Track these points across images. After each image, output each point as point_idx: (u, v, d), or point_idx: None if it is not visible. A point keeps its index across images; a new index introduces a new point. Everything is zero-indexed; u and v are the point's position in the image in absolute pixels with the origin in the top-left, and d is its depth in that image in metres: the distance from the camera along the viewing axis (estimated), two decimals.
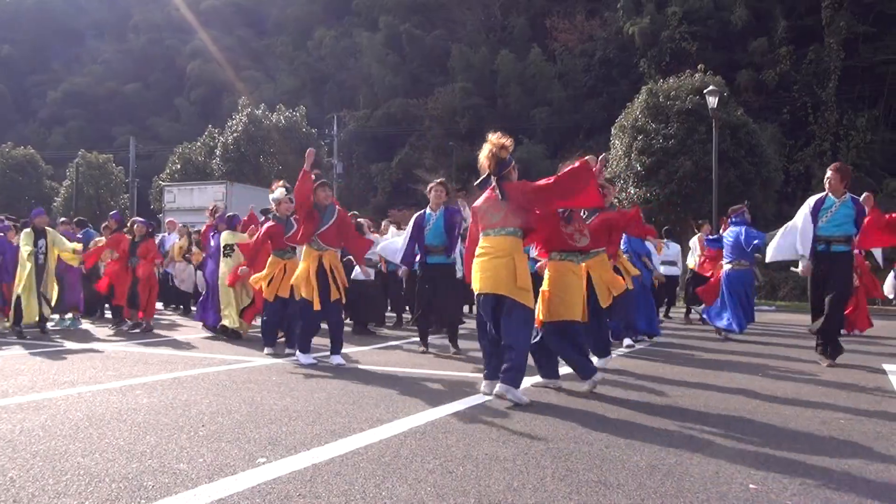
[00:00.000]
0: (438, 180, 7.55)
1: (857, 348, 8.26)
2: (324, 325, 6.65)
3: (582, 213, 5.74)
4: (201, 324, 9.42)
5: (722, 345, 8.45)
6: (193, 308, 12.55)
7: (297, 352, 6.43)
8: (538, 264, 5.58)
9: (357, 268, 9.60)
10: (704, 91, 19.56)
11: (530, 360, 4.81)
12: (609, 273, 5.87)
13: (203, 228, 10.81)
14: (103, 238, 11.05)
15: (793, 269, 7.56)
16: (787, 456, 3.37)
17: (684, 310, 12.98)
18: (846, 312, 8.74)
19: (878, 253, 9.82)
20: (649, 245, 8.73)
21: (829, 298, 6.34)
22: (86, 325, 10.56)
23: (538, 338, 5.09)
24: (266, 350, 7.20)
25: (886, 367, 6.60)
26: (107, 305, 11.57)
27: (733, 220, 9.17)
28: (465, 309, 12.40)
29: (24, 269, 8.77)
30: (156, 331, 9.62)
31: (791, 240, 6.65)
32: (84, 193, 40.02)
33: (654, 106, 23.11)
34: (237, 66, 54.04)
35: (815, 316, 6.63)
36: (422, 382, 5.40)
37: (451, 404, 4.48)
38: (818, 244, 6.38)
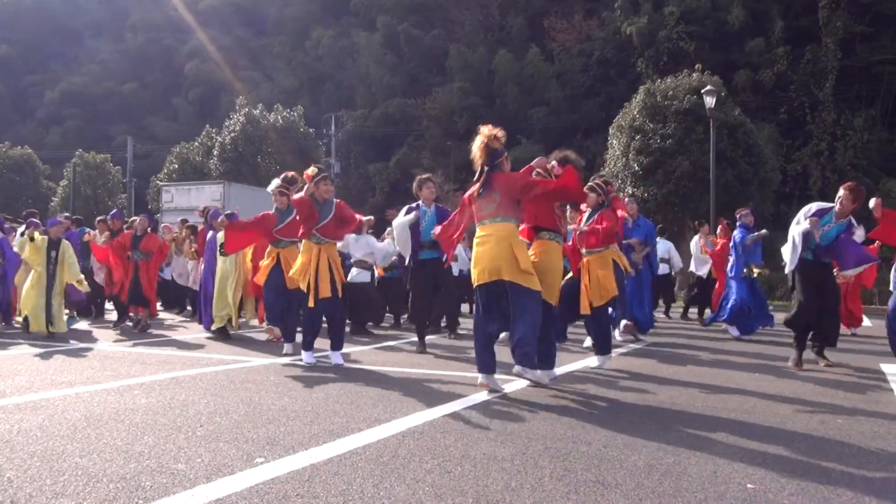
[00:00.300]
0: (427, 175, 7.51)
1: (855, 348, 8.27)
2: (323, 326, 6.65)
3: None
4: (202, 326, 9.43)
5: (720, 344, 8.46)
6: (189, 308, 12.57)
7: (302, 351, 6.43)
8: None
9: (355, 269, 9.57)
10: (702, 91, 19.56)
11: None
12: (608, 274, 5.88)
13: (199, 229, 10.79)
14: (96, 232, 11.05)
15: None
16: (785, 455, 3.37)
17: (682, 308, 13.00)
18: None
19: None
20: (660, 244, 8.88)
21: (826, 306, 6.28)
22: (84, 324, 10.55)
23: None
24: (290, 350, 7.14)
25: (884, 366, 6.61)
26: (108, 304, 11.57)
27: (740, 225, 9.17)
28: (465, 308, 12.42)
29: (35, 276, 8.68)
30: (154, 331, 9.61)
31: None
32: (81, 193, 39.97)
33: (651, 106, 23.15)
34: (235, 66, 53.99)
35: (807, 312, 6.45)
36: (420, 382, 5.40)
37: (449, 404, 4.47)
38: (808, 252, 6.31)
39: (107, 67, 64.36)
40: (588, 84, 39.08)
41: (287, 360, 6.62)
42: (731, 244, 9.32)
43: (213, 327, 8.70)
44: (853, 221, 6.28)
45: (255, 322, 9.42)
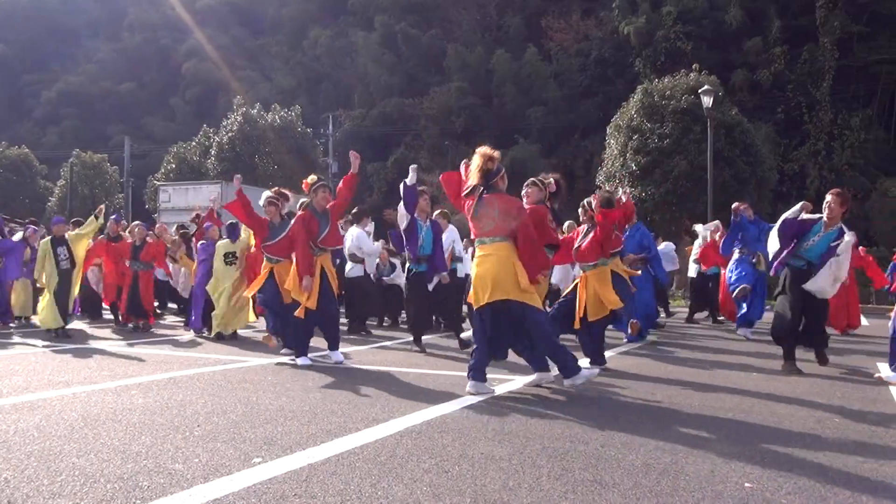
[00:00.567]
0: (422, 188, 7.48)
1: (852, 348, 8.29)
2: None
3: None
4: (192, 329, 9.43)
5: (718, 344, 8.48)
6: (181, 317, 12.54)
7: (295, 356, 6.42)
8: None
9: (351, 264, 9.60)
10: (699, 91, 19.57)
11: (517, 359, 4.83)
12: (605, 290, 5.87)
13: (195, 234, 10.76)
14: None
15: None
16: (783, 454, 3.38)
17: (688, 310, 12.95)
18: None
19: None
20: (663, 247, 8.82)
21: (813, 313, 6.22)
22: (82, 325, 10.53)
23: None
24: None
25: (881, 366, 6.61)
26: (104, 306, 11.56)
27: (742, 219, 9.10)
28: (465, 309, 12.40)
29: (45, 277, 8.87)
30: (151, 330, 9.60)
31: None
32: (79, 193, 39.85)
33: (649, 105, 23.15)
34: (232, 66, 53.86)
35: (784, 320, 6.40)
36: (418, 382, 5.40)
37: (447, 404, 4.48)
38: (798, 261, 6.17)
39: (104, 67, 64.18)
40: (586, 84, 39.04)
41: (284, 360, 6.61)
42: (731, 234, 9.19)
43: (212, 333, 8.68)
44: (844, 228, 6.13)
45: (252, 319, 9.36)
